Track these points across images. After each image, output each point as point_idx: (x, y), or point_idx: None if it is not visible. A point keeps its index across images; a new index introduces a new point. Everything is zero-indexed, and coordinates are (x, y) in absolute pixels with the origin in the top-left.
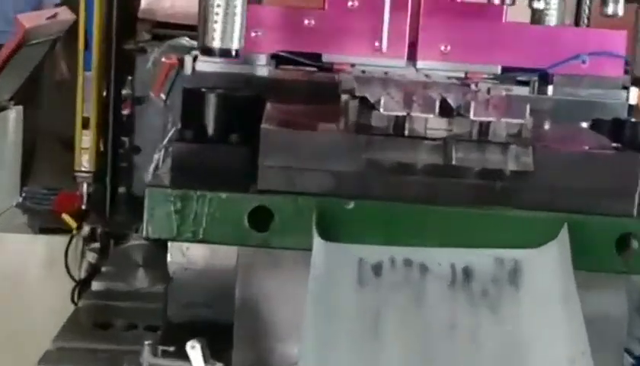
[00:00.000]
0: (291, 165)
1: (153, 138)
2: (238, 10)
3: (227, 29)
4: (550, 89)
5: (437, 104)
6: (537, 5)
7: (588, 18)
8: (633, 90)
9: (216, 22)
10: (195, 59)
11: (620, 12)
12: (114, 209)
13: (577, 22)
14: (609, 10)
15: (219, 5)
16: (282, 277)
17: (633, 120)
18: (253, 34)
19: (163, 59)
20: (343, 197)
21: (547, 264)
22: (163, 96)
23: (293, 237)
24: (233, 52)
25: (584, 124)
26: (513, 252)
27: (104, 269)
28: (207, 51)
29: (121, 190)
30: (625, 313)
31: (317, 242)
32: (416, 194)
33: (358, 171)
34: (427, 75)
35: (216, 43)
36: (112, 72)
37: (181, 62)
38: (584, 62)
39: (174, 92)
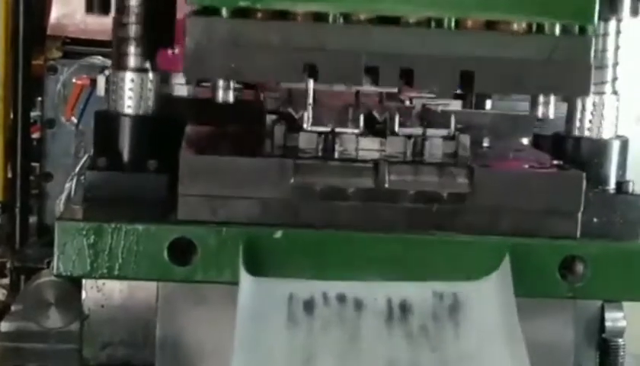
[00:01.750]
0: (214, 193)
1: (66, 163)
2: None
3: None
4: (488, 103)
5: (370, 123)
6: None
7: None
8: None
9: None
10: (107, 79)
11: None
12: (25, 241)
13: None
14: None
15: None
16: (206, 313)
17: (575, 134)
18: (170, 51)
19: (74, 80)
20: (270, 226)
21: (488, 300)
22: (74, 119)
23: (218, 270)
24: None
25: (525, 140)
26: (452, 286)
27: (13, 308)
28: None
29: (32, 220)
30: (572, 340)
31: (244, 277)
32: (348, 221)
33: (286, 197)
34: (358, 91)
35: None
36: (20, 92)
37: (94, 82)
38: None
39: (87, 115)
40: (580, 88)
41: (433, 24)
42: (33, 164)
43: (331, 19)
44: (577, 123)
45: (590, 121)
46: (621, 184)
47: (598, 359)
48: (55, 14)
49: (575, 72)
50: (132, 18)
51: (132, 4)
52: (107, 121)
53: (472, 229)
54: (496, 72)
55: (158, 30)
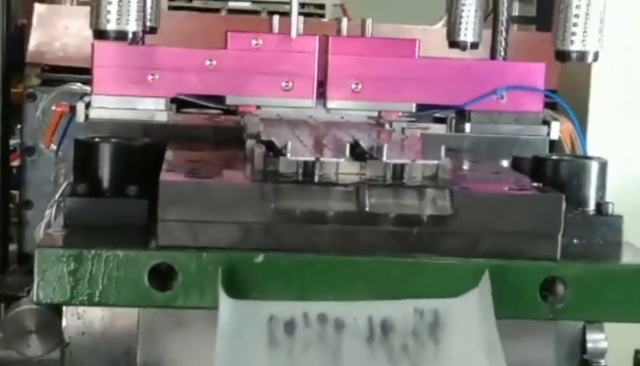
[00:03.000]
0: (194, 218)
1: (46, 191)
2: None
3: (123, 8)
4: (468, 126)
5: (348, 147)
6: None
7: (505, 50)
8: (554, 125)
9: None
10: (88, 106)
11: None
12: (4, 269)
13: (492, 55)
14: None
15: None
16: (188, 338)
17: (554, 157)
18: (150, 78)
19: (53, 107)
20: (251, 251)
21: (468, 315)
22: (54, 147)
23: (199, 296)
24: (130, 35)
25: (505, 162)
26: (432, 303)
27: None
28: (100, 34)
29: (12, 248)
30: (554, 361)
31: (223, 299)
32: (329, 244)
33: (266, 222)
34: (340, 116)
35: (111, 25)
36: None
37: (73, 109)
38: (501, 97)
39: (67, 142)
40: None
41: None
42: (13, 192)
43: None
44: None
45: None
46: (600, 206)
47: None
48: (34, 41)
49: None
50: None
51: None
52: (85, 147)
53: (453, 251)
54: None
55: None
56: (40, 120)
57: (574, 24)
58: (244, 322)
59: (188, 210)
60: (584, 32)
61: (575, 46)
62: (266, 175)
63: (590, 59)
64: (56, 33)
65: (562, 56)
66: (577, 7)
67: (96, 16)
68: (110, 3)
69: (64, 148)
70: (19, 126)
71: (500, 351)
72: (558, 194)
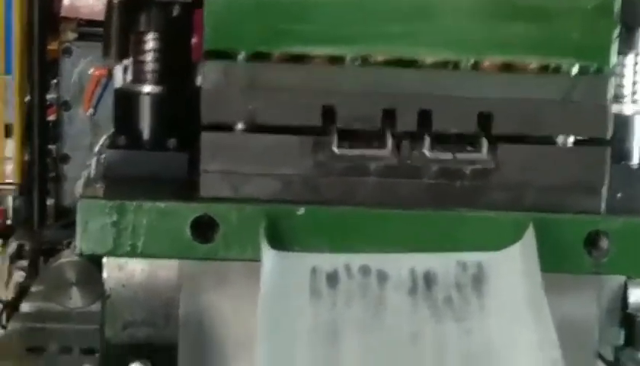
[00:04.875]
0: (236, 171)
1: (83, 145)
2: None
3: None
4: None
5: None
6: None
7: None
8: None
9: None
10: (125, 69)
11: None
12: (43, 223)
13: None
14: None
15: None
16: (230, 291)
17: None
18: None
19: (91, 71)
20: (292, 203)
21: (512, 269)
22: (92, 111)
23: (241, 248)
24: None
25: None
26: (476, 256)
27: (33, 289)
28: None
29: (49, 202)
30: (596, 316)
31: (266, 251)
32: (370, 197)
33: (307, 174)
34: None
35: None
36: (35, 74)
37: (110, 73)
38: None
39: (103, 106)
40: (598, 128)
41: (450, 65)
42: (50, 146)
43: (348, 61)
44: None
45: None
46: None
47: (624, 335)
48: None
49: (593, 112)
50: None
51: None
52: (126, 100)
53: (496, 205)
54: (514, 113)
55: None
56: (77, 83)
57: None
58: (287, 274)
59: (230, 163)
60: None
61: None
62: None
63: None
64: None
65: None
66: None
67: None
68: None
69: (100, 112)
70: (54, 81)
71: (545, 304)
72: (603, 147)
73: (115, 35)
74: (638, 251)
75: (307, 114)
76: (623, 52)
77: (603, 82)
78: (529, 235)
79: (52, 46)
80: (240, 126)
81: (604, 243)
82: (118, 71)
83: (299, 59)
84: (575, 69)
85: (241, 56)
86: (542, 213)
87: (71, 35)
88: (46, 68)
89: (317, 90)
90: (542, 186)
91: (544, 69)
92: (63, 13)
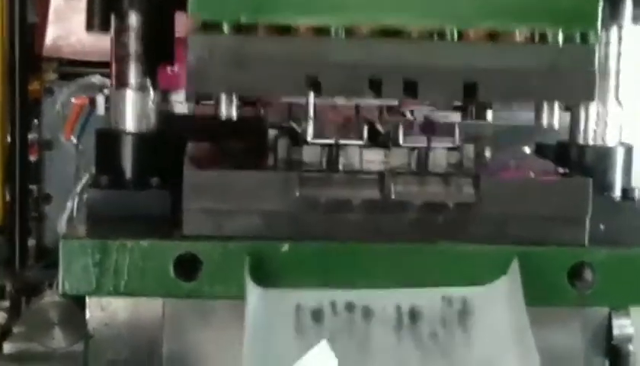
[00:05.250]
0: (219, 208)
1: (65, 185)
2: None
3: None
4: (489, 114)
5: (366, 130)
6: None
7: None
8: None
9: None
10: (107, 98)
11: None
12: (24, 263)
13: None
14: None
15: None
16: (214, 329)
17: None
18: (170, 69)
19: (73, 100)
20: (276, 240)
21: (497, 303)
22: (74, 139)
23: (224, 285)
24: None
25: (527, 149)
26: (461, 291)
27: (15, 330)
28: None
29: (31, 242)
30: (581, 348)
31: (250, 288)
32: (355, 232)
33: (291, 211)
34: (358, 104)
35: None
36: (17, 114)
37: (93, 102)
38: None
39: (86, 135)
40: (584, 94)
41: (435, 35)
42: (31, 186)
43: (333, 33)
44: (581, 133)
45: (595, 130)
46: (627, 191)
47: None
48: (50, 35)
49: (579, 79)
50: (132, 35)
51: (131, 22)
52: (108, 139)
53: (480, 238)
54: (499, 82)
55: (158, 47)
56: (60, 113)
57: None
58: (272, 311)
59: (213, 200)
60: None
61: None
62: (290, 164)
63: None
64: (73, 27)
65: None
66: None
67: None
68: None
69: (83, 141)
70: (35, 121)
71: (531, 339)
72: (586, 179)
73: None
74: (622, 282)
75: (291, 86)
76: (606, 25)
77: (589, 49)
78: (514, 269)
79: (34, 86)
80: (224, 98)
81: (588, 275)
82: (100, 99)
83: (284, 31)
84: (561, 38)
85: (226, 28)
86: (525, 246)
87: (52, 75)
88: (27, 108)
89: (302, 61)
90: (525, 219)
91: (530, 38)
92: (45, 53)
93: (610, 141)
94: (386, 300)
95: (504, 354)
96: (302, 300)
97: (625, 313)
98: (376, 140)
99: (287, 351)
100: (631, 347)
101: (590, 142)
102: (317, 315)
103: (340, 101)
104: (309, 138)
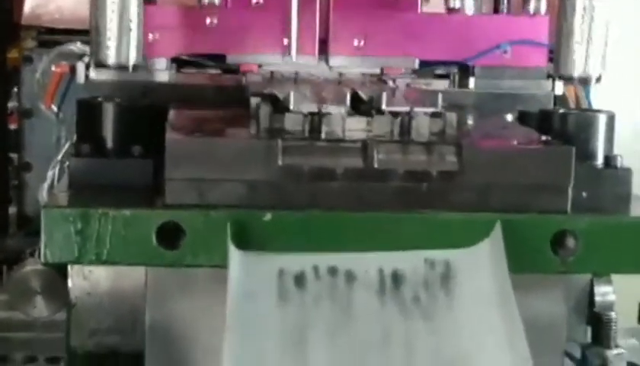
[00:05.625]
0: (201, 177)
1: (45, 154)
2: (134, 23)
3: (122, 43)
4: (472, 82)
5: (348, 96)
6: (453, 4)
7: (508, 2)
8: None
9: (109, 38)
10: (88, 66)
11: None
12: (5, 232)
13: (496, 9)
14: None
15: (111, 20)
16: (197, 297)
17: (562, 110)
18: (150, 37)
19: (53, 68)
20: (259, 209)
21: (480, 267)
22: (54, 108)
23: (207, 254)
24: (130, 68)
25: (510, 117)
26: (444, 254)
27: None
28: (102, 65)
29: (12, 211)
30: (564, 315)
31: (233, 253)
32: (338, 201)
33: (274, 179)
34: (340, 73)
35: (111, 60)
36: None
37: (73, 69)
38: (505, 52)
39: (67, 103)
40: None
41: None
42: (12, 155)
43: None
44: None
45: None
46: (609, 159)
47: (591, 333)
48: (29, 3)
49: None
50: None
51: None
52: (89, 108)
53: (462, 206)
54: None
55: None
56: (40, 81)
57: (576, 51)
58: (254, 276)
59: (195, 169)
60: (586, 58)
61: (577, 72)
62: (272, 133)
63: (592, 82)
64: None
65: (565, 78)
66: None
67: None
68: None
69: (64, 109)
70: (15, 89)
71: (514, 303)
72: (568, 147)
73: None
74: (604, 249)
75: None
76: None
77: None
78: (497, 232)
79: (13, 54)
80: None
81: (571, 242)
82: (80, 67)
83: None
84: None
85: None
86: (508, 214)
87: (31, 43)
88: (6, 76)
89: None
90: (508, 187)
91: None
92: (23, 21)
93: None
94: (369, 263)
95: (487, 318)
96: (285, 264)
97: (607, 280)
98: (359, 109)
99: (270, 315)
100: (612, 314)
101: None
102: (299, 280)
103: (324, 71)
104: (292, 107)
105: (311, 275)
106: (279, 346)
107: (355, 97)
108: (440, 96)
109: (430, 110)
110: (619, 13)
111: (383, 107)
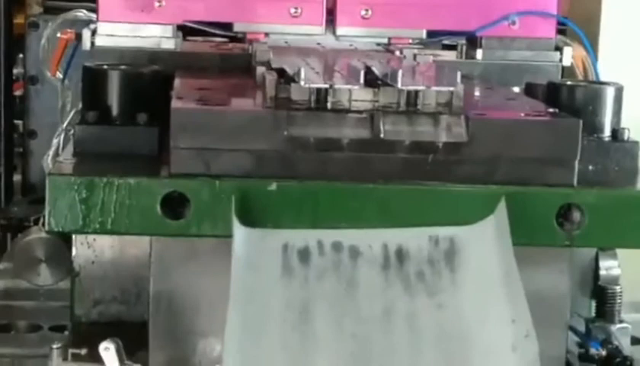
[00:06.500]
0: (206, 146)
1: (50, 121)
2: None
3: None
4: (479, 53)
5: (362, 74)
6: None
7: None
8: (567, 51)
9: None
10: (94, 33)
11: None
12: (10, 199)
13: None
14: None
15: None
16: (201, 267)
17: (569, 82)
18: (157, 4)
19: (58, 35)
20: (264, 179)
21: (484, 243)
22: (60, 75)
23: (212, 224)
24: None
25: (517, 89)
26: (448, 230)
27: (1, 266)
28: None
29: (16, 178)
30: (568, 289)
31: (237, 228)
32: (343, 172)
33: (279, 149)
34: (349, 44)
35: None
36: (1, 49)
37: (79, 36)
38: (513, 23)
39: (72, 70)
40: None
41: None
42: (16, 121)
43: None
44: None
45: None
46: (616, 132)
47: (595, 307)
48: None
49: None
50: None
51: None
52: (95, 75)
53: (469, 178)
54: None
55: None
56: (45, 48)
57: None
58: (259, 251)
59: (200, 138)
60: None
61: None
62: (278, 102)
63: None
64: None
65: None
66: None
67: None
68: None
69: (70, 76)
70: (21, 55)
71: (518, 278)
72: (576, 119)
73: None
74: (609, 223)
75: None
76: None
77: None
78: (501, 208)
79: (18, 20)
80: None
81: (576, 216)
82: (86, 33)
83: None
84: None
85: None
86: (514, 187)
87: (37, 9)
88: (12, 42)
89: None
90: (514, 159)
91: None
92: None
93: None
94: (373, 239)
95: (491, 293)
96: (289, 239)
97: (612, 254)
98: (367, 80)
99: (274, 289)
100: (617, 288)
101: None
102: (304, 254)
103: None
104: (302, 82)
105: (315, 250)
106: (282, 319)
107: (368, 73)
108: (459, 74)
109: (449, 89)
110: None
111: (399, 85)
